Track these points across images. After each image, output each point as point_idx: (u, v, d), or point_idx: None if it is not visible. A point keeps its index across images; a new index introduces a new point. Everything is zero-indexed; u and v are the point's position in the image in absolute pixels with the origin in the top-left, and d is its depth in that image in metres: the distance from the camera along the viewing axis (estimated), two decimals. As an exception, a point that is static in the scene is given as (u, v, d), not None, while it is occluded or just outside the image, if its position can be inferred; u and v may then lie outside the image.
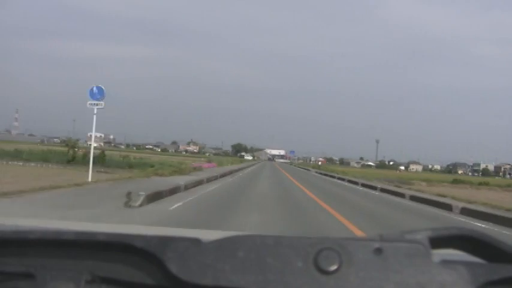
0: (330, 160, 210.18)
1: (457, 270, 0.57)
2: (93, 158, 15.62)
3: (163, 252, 0.60)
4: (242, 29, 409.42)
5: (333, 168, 66.15)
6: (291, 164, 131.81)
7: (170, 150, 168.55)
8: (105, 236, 0.64)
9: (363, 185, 25.94)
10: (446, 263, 0.58)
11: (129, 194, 9.15)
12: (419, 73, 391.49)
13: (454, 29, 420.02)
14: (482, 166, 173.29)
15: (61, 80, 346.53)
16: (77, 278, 0.62)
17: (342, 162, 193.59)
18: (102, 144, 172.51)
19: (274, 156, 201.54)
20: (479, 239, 0.63)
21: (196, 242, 0.61)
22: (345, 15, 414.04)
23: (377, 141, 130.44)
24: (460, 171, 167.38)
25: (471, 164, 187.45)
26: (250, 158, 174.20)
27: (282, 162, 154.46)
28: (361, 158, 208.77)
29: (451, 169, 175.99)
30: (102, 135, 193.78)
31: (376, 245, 0.59)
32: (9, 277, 0.65)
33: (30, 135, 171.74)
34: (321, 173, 47.17)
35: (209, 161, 38.96)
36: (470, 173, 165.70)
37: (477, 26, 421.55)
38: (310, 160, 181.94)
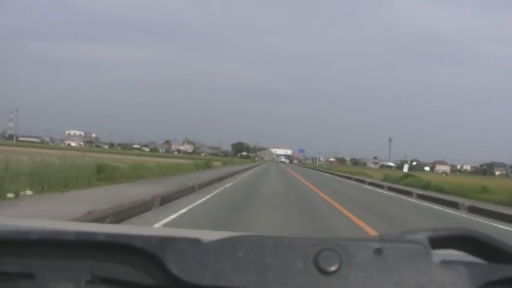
0: (341, 160, 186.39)
1: (457, 270, 0.58)
2: None
3: (163, 253, 0.61)
4: (245, 29, 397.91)
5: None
6: (300, 165, 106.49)
7: (161, 150, 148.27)
8: (105, 236, 0.65)
9: None
10: (446, 263, 0.59)
11: None
12: (436, 71, 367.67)
13: (469, 28, 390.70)
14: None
15: (57, 81, 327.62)
16: (77, 278, 0.63)
17: (356, 162, 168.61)
18: (82, 143, 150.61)
19: (279, 156, 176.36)
20: (479, 239, 0.63)
21: (196, 242, 0.62)
22: (349, 15, 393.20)
23: (390, 140, 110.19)
24: (497, 173, 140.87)
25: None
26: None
27: (289, 163, 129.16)
28: (375, 158, 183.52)
29: (485, 170, 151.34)
30: (82, 133, 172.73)
31: (376, 245, 0.59)
32: (9, 277, 0.65)
33: (11, 135, 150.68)
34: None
35: None
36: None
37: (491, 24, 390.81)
38: (318, 160, 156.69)
